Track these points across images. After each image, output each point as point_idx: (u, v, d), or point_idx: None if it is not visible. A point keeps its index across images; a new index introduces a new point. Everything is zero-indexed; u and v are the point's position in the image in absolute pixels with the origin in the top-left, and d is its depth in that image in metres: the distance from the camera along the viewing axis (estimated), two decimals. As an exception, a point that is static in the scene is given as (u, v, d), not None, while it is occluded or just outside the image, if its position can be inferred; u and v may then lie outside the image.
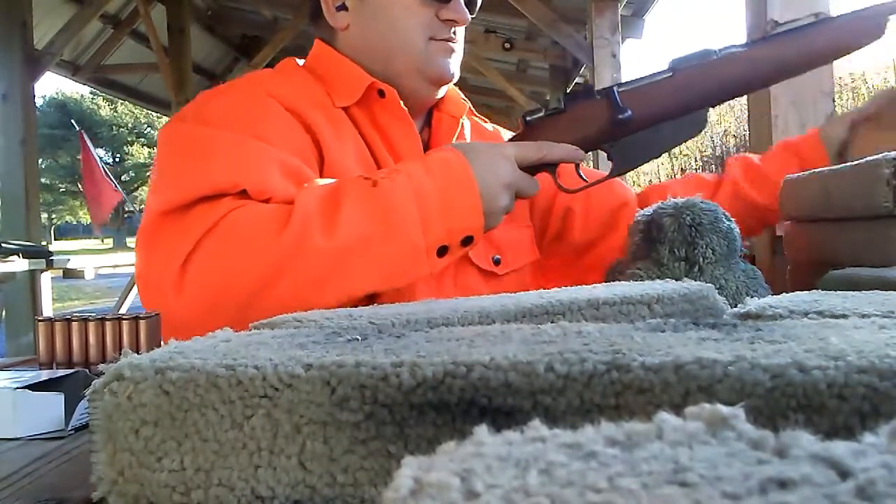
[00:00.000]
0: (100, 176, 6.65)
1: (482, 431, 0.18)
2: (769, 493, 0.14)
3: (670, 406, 0.27)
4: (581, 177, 0.90)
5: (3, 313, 4.64)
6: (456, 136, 1.00)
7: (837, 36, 0.83)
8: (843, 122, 0.94)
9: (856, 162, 0.82)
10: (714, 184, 1.06)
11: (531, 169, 0.83)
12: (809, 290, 0.53)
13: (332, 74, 0.95)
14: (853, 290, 0.50)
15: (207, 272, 0.73)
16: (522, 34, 5.45)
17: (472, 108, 1.05)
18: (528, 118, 0.87)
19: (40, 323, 0.69)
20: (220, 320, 0.50)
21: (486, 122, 1.09)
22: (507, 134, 1.09)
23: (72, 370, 0.64)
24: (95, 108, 31.85)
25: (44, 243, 4.57)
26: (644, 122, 0.85)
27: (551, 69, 5.96)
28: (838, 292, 0.49)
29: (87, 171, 6.70)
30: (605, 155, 0.88)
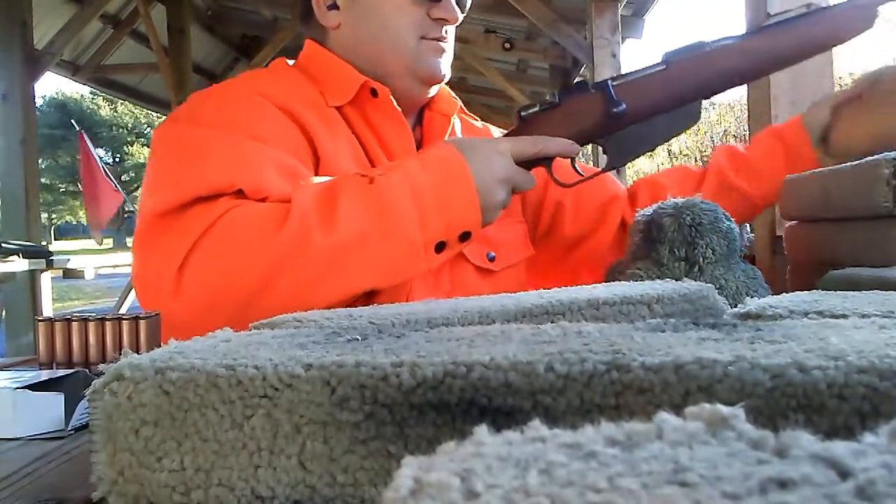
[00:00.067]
0: (100, 177, 6.64)
1: (482, 431, 0.18)
2: (769, 493, 0.14)
3: (670, 406, 0.27)
4: (577, 171, 0.90)
5: (3, 313, 4.64)
6: (448, 135, 1.00)
7: (828, 26, 0.84)
8: (826, 106, 0.93)
9: (856, 162, 0.82)
10: (700, 173, 1.06)
11: (527, 163, 0.83)
12: (809, 290, 0.53)
13: (324, 74, 0.95)
14: (853, 290, 0.50)
15: (206, 272, 0.73)
16: (522, 34, 5.45)
17: (462, 106, 1.05)
18: (522, 113, 0.87)
19: (40, 323, 0.69)
20: (219, 320, 0.50)
21: (476, 120, 1.09)
22: (496, 131, 1.09)
23: (72, 370, 0.64)
24: (95, 108, 31.85)
25: (44, 243, 4.57)
26: (639, 115, 0.85)
27: (551, 69, 5.97)
28: (838, 292, 0.49)
29: (86, 172, 6.68)
30: (601, 149, 0.88)
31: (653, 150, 0.89)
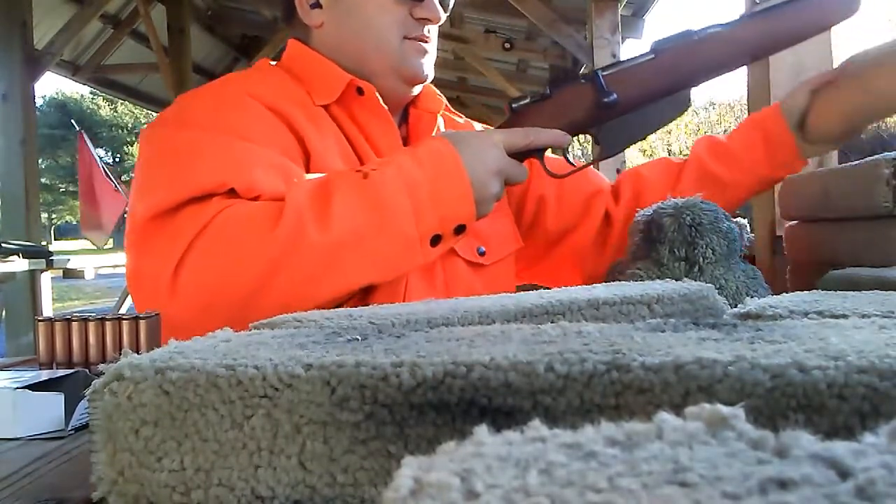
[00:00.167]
0: (101, 177, 6.63)
1: (482, 431, 0.18)
2: (769, 493, 0.14)
3: (670, 406, 0.27)
4: (570, 162, 0.90)
5: (3, 313, 4.64)
6: (435, 132, 0.99)
7: (815, 11, 0.84)
8: (804, 91, 0.93)
9: (856, 162, 0.82)
10: (681, 164, 1.06)
11: (519, 155, 0.84)
12: (809, 290, 0.53)
13: (309, 73, 0.95)
14: (853, 290, 0.50)
15: (201, 273, 0.73)
16: (522, 34, 5.45)
17: (448, 104, 1.05)
18: (514, 105, 0.88)
19: (40, 323, 0.69)
20: (216, 320, 0.50)
21: (460, 116, 1.09)
22: (479, 128, 1.09)
23: (72, 370, 0.64)
24: (95, 108, 31.86)
25: (44, 243, 4.57)
26: (629, 104, 0.85)
27: (551, 69, 5.96)
28: (838, 292, 0.50)
29: (85, 172, 6.67)
30: (593, 139, 0.89)
31: (644, 138, 0.90)
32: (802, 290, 0.52)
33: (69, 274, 4.50)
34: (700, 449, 0.16)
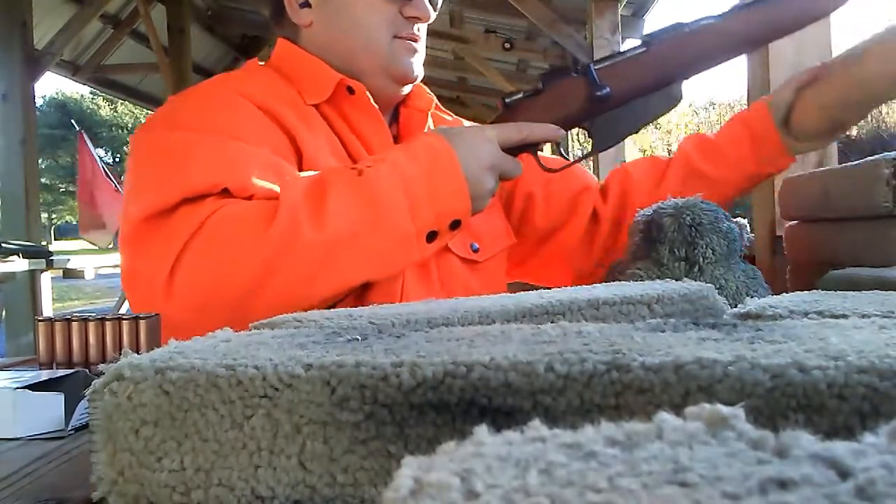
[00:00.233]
0: (101, 177, 6.62)
1: (482, 431, 0.18)
2: (769, 493, 0.14)
3: (670, 406, 0.27)
4: (564, 156, 0.91)
5: (3, 313, 4.64)
6: (426, 128, 0.99)
7: (806, 2, 0.84)
8: (789, 87, 0.93)
9: (856, 162, 0.82)
10: (668, 160, 1.06)
11: (513, 150, 0.84)
12: (809, 290, 0.53)
13: (299, 73, 0.94)
14: (853, 290, 0.50)
15: (197, 274, 0.73)
16: (522, 34, 5.44)
17: (438, 103, 1.05)
18: (507, 100, 0.88)
19: (40, 323, 0.69)
20: (213, 321, 0.50)
21: (449, 115, 1.09)
22: (467, 124, 1.09)
23: (72, 370, 0.64)
24: (95, 108, 31.86)
25: (44, 243, 4.57)
26: (622, 97, 0.85)
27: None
28: (838, 292, 0.50)
29: (84, 173, 6.67)
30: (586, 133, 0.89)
31: (637, 132, 0.90)
32: (802, 290, 0.52)
33: (69, 274, 4.50)
34: (700, 449, 0.16)
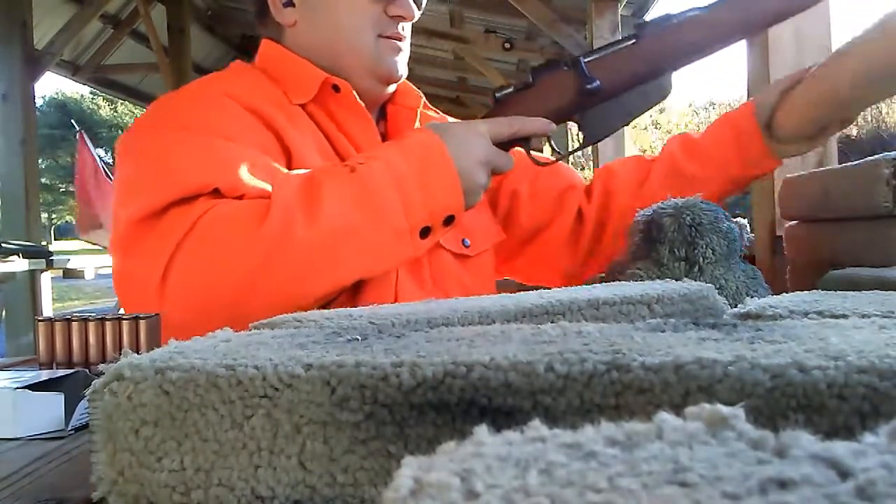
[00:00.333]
0: (101, 177, 6.62)
1: (482, 431, 0.18)
2: (769, 493, 0.14)
3: (670, 406, 0.27)
4: (556, 151, 0.91)
5: (3, 313, 4.64)
6: (418, 125, 0.99)
7: None
8: (775, 90, 0.92)
9: (856, 162, 0.82)
10: (652, 160, 1.05)
11: (504, 144, 0.84)
12: (809, 290, 0.53)
13: (284, 73, 0.94)
14: (853, 290, 0.50)
15: (190, 275, 0.73)
16: (522, 34, 5.44)
17: (426, 101, 1.04)
18: (497, 94, 0.88)
19: (40, 323, 0.69)
20: (208, 322, 0.50)
21: (436, 112, 1.09)
22: (453, 121, 1.09)
23: (72, 370, 0.63)
24: (95, 108, 31.85)
25: (44, 243, 4.57)
26: (612, 90, 0.86)
27: (551, 69, 5.94)
28: (838, 292, 0.50)
29: (84, 173, 6.65)
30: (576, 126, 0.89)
31: (628, 124, 0.90)
32: (802, 290, 0.52)
33: (69, 274, 4.50)
34: (700, 449, 0.16)
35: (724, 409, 0.18)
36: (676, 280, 0.57)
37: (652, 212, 0.80)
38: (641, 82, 0.86)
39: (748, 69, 1.23)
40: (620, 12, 3.80)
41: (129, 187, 0.80)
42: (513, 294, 0.55)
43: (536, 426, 0.18)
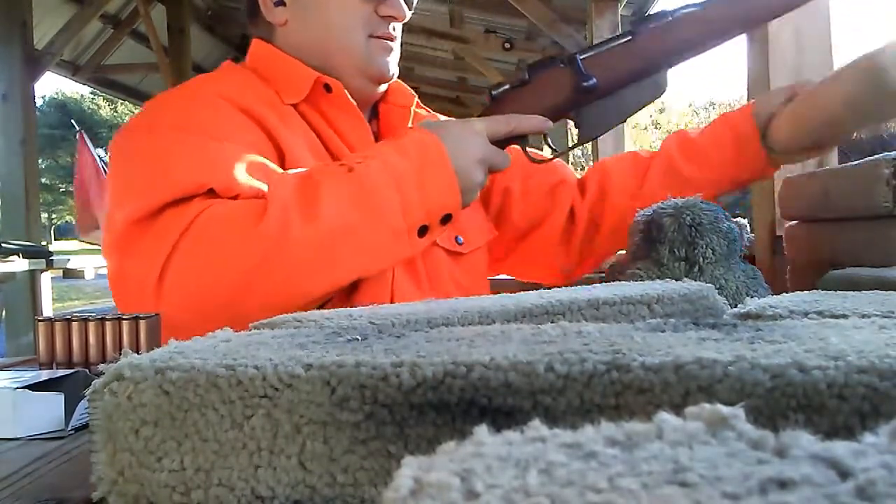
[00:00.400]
0: (102, 177, 6.61)
1: (482, 431, 0.18)
2: (769, 493, 0.14)
3: (670, 406, 0.27)
4: (551, 147, 0.91)
5: (3, 313, 4.64)
6: (410, 124, 0.99)
7: None
8: (776, 98, 0.92)
9: (856, 162, 0.82)
10: (649, 158, 1.05)
11: (501, 142, 0.84)
12: (809, 290, 0.53)
13: (275, 73, 0.94)
14: (853, 290, 0.50)
15: (187, 275, 0.73)
16: (522, 34, 5.44)
17: (419, 100, 1.04)
18: (493, 92, 0.88)
19: (40, 323, 0.69)
20: (205, 322, 0.50)
21: (426, 110, 1.09)
22: (442, 119, 1.08)
23: (72, 370, 0.63)
24: (95, 108, 31.85)
25: (44, 243, 4.57)
26: (608, 87, 0.86)
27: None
28: (838, 292, 0.50)
29: (84, 173, 6.65)
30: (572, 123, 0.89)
31: (624, 121, 0.90)
32: (802, 291, 0.52)
33: (69, 274, 4.50)
34: (700, 449, 0.16)
35: (724, 409, 0.18)
36: (676, 280, 0.57)
37: (652, 212, 0.80)
38: (637, 79, 0.86)
39: (748, 69, 1.23)
40: (620, 12, 3.80)
41: (124, 189, 0.80)
42: (513, 294, 0.55)
43: (536, 426, 0.18)
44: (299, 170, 0.80)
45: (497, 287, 1.02)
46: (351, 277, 0.76)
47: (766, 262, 1.17)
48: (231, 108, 0.86)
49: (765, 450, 0.16)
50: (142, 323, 0.68)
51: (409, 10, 0.96)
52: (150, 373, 0.32)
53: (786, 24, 1.09)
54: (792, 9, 0.85)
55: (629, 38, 0.85)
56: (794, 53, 1.14)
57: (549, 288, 0.57)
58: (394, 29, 0.95)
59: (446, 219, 0.78)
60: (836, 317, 0.39)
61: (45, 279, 4.27)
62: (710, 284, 0.55)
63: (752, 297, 0.69)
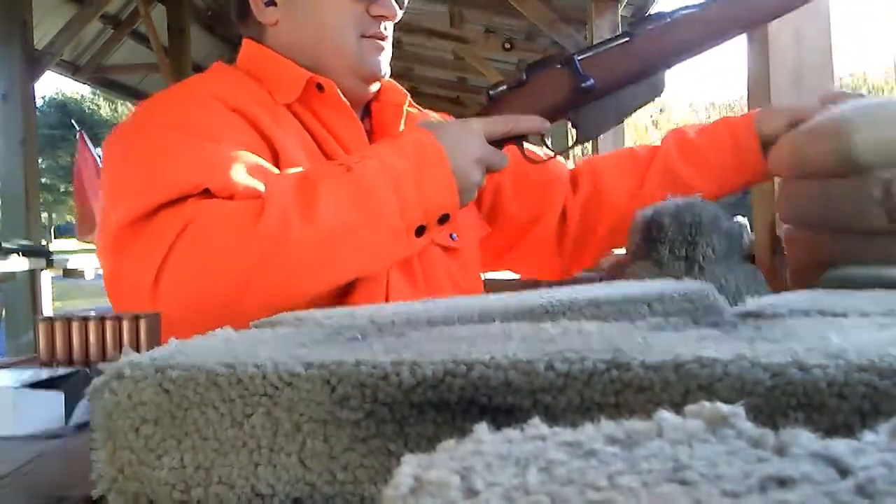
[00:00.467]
0: None
1: (482, 429, 0.18)
2: (769, 491, 0.14)
3: (670, 404, 0.27)
4: (548, 147, 0.91)
5: (4, 312, 4.64)
6: (403, 122, 0.98)
7: None
8: (780, 118, 0.92)
9: (846, 179, 0.81)
10: (648, 158, 1.04)
11: (498, 142, 0.84)
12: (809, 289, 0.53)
13: (267, 73, 0.93)
14: (853, 289, 0.50)
15: (184, 276, 0.72)
16: (522, 34, 5.44)
17: (411, 99, 1.03)
18: (491, 92, 0.88)
19: (40, 322, 0.69)
20: (202, 324, 0.49)
21: (417, 108, 1.08)
22: (435, 116, 1.08)
23: (72, 369, 0.63)
24: (95, 108, 31.85)
25: (44, 243, 4.57)
26: (606, 88, 0.86)
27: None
28: (838, 291, 0.50)
29: (85, 174, 6.64)
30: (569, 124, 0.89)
31: (621, 122, 0.90)
32: (802, 290, 0.51)
33: (69, 273, 4.50)
34: (700, 447, 0.16)
35: (723, 408, 0.18)
36: (677, 279, 0.57)
37: (652, 211, 0.80)
38: (635, 80, 0.86)
39: (748, 69, 1.22)
40: (620, 12, 3.80)
41: (118, 190, 0.80)
42: (513, 293, 0.55)
43: (536, 424, 0.18)
44: (296, 170, 0.80)
45: (496, 287, 1.02)
46: (349, 277, 0.76)
47: (766, 262, 1.17)
48: (224, 109, 0.85)
49: (765, 448, 0.16)
50: (142, 322, 0.68)
51: (401, 9, 0.95)
52: (151, 371, 0.32)
53: (786, 25, 1.08)
54: (790, 10, 0.85)
55: (627, 39, 0.85)
56: (794, 53, 1.14)
57: (548, 284, 0.57)
58: (385, 28, 0.94)
59: (444, 219, 0.78)
60: (836, 315, 0.39)
61: (45, 278, 4.27)
62: (710, 283, 0.55)
63: (752, 296, 0.69)
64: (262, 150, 0.84)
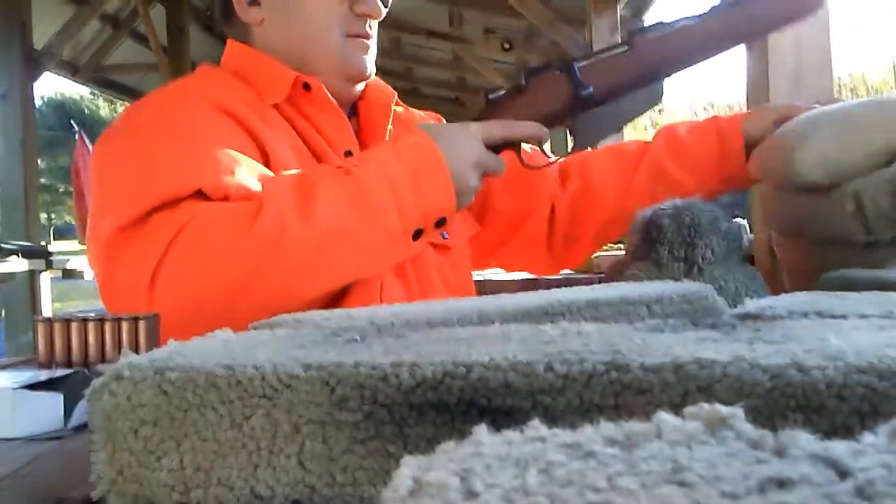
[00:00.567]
0: None
1: (481, 431, 0.18)
2: (768, 492, 0.14)
3: (669, 406, 0.27)
4: (546, 153, 0.91)
5: (3, 313, 4.63)
6: (391, 121, 0.98)
7: (785, 5, 0.85)
8: (765, 120, 0.92)
9: (822, 193, 0.80)
10: (638, 154, 1.04)
11: (496, 147, 0.84)
12: (808, 290, 0.53)
13: (254, 73, 0.93)
14: (851, 291, 0.50)
15: (180, 279, 0.72)
16: (522, 34, 5.45)
17: (398, 98, 1.03)
18: (490, 96, 0.88)
19: (39, 323, 0.69)
20: (198, 328, 0.49)
21: (406, 108, 1.08)
22: (418, 114, 1.08)
23: (71, 370, 0.63)
24: (95, 108, 31.84)
25: (43, 243, 4.56)
26: (604, 96, 0.86)
27: (551, 70, 5.94)
28: (837, 293, 0.50)
29: (83, 175, 6.63)
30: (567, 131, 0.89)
31: (619, 130, 0.91)
32: (801, 291, 0.52)
33: (68, 274, 4.49)
34: (699, 449, 0.16)
35: (723, 409, 0.18)
36: (676, 280, 0.57)
37: (651, 212, 0.80)
38: (633, 88, 0.86)
39: (747, 73, 1.22)
40: (620, 12, 3.80)
41: (109, 195, 0.79)
42: (512, 294, 0.55)
43: (536, 426, 0.18)
44: (292, 171, 0.80)
45: (496, 287, 1.02)
46: (347, 280, 0.75)
47: (765, 263, 1.17)
48: (212, 110, 0.84)
49: (764, 449, 0.16)
50: (141, 323, 0.68)
51: (385, 7, 0.95)
52: (150, 373, 0.32)
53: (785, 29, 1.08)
54: (790, 23, 0.86)
55: (626, 47, 0.86)
56: (794, 58, 1.14)
57: (546, 285, 0.57)
58: (370, 27, 0.94)
59: (441, 222, 0.78)
60: (835, 317, 0.39)
61: (45, 279, 4.27)
62: (709, 285, 0.55)
63: (751, 297, 0.69)
64: (252, 151, 0.84)
